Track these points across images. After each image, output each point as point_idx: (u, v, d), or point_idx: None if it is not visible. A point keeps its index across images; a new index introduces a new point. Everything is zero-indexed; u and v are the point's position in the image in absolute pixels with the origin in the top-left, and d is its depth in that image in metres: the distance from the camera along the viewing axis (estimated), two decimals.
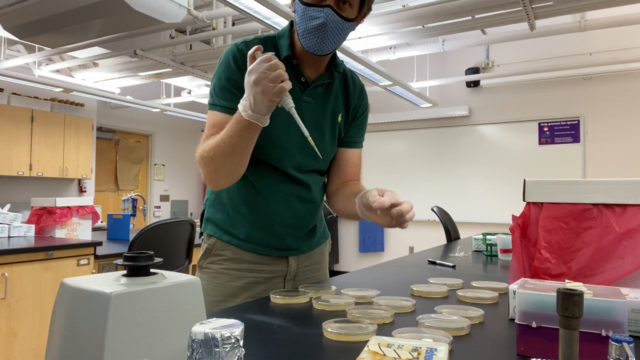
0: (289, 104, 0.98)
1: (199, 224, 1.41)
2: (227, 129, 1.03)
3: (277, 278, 1.26)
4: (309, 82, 1.21)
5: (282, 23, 3.19)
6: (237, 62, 1.14)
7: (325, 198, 1.37)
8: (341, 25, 1.09)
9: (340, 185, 1.32)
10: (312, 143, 0.98)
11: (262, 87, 0.94)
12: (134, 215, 4.07)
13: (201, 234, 1.32)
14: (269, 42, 1.20)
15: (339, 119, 1.28)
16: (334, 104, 1.26)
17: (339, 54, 1.36)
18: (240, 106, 1.00)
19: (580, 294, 0.49)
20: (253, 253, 1.24)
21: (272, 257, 1.25)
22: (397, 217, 0.99)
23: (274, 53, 0.96)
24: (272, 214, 1.22)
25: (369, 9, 1.17)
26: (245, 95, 0.99)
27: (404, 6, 3.45)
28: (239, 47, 1.16)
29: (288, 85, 0.95)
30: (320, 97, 1.24)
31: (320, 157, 1.09)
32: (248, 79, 0.96)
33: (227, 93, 1.13)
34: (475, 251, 2.16)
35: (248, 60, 0.98)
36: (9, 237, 3.13)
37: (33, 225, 3.26)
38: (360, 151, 1.36)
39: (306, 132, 0.98)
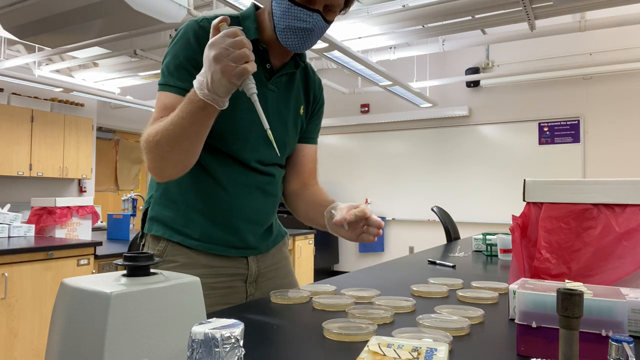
0: (251, 89, 0.87)
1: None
2: (178, 110, 0.91)
3: (236, 281, 1.17)
4: (274, 70, 1.13)
5: None
6: (198, 39, 1.02)
7: (283, 197, 1.28)
8: (324, 29, 1.06)
9: (300, 186, 1.25)
10: (272, 137, 0.88)
11: (223, 65, 0.83)
12: (134, 215, 4.06)
13: (142, 236, 1.17)
14: (233, 22, 1.07)
15: (301, 111, 1.22)
16: (297, 95, 1.21)
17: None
18: (195, 83, 0.89)
19: (580, 294, 0.49)
20: (209, 254, 1.13)
21: (230, 258, 1.15)
22: (377, 230, 1.00)
23: (241, 28, 0.86)
24: (232, 207, 1.12)
25: (346, 12, 1.13)
26: (202, 72, 0.88)
27: (404, 6, 3.45)
28: (200, 24, 1.04)
29: (252, 67, 0.84)
30: (284, 87, 1.17)
31: (279, 154, 0.99)
32: (208, 53, 0.85)
33: (184, 73, 1.02)
34: (475, 251, 2.16)
35: (211, 31, 0.87)
36: (9, 237, 3.13)
37: (33, 225, 3.26)
38: (316, 147, 1.30)
39: (266, 124, 0.88)
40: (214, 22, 0.88)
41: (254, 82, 0.88)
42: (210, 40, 0.86)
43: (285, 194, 1.28)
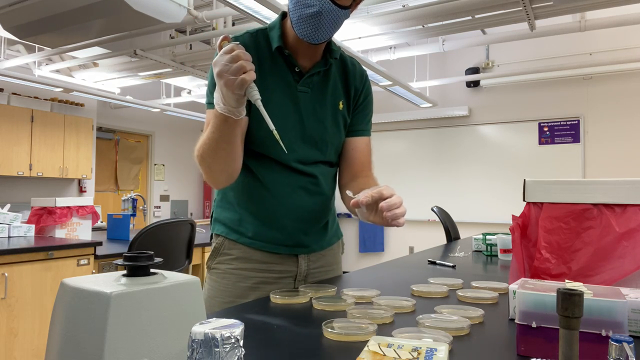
0: (254, 96, 0.94)
1: (208, 224, 1.39)
2: (210, 125, 1.03)
3: (286, 278, 1.23)
4: (304, 72, 1.18)
5: None
6: None
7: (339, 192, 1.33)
8: (337, 14, 1.07)
9: (350, 178, 1.28)
10: (278, 137, 0.95)
11: (225, 80, 0.92)
12: (134, 215, 4.07)
13: (211, 236, 1.30)
14: (260, 35, 1.18)
15: (341, 106, 1.24)
16: (333, 91, 1.23)
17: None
18: (214, 100, 0.99)
19: (580, 294, 0.49)
20: (262, 251, 1.21)
21: (281, 255, 1.22)
22: (386, 212, 0.93)
23: (238, 43, 0.93)
24: (278, 207, 1.19)
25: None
26: (216, 88, 0.97)
27: (404, 6, 3.45)
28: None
29: (250, 77, 0.92)
30: (317, 86, 1.21)
31: (286, 152, 1.03)
32: (213, 71, 0.94)
33: None
34: (475, 251, 2.16)
35: (217, 50, 0.96)
36: (9, 237, 3.13)
37: (33, 225, 3.26)
38: (369, 139, 1.32)
39: (272, 126, 0.94)
40: (218, 41, 0.96)
41: (256, 89, 0.94)
42: (214, 59, 0.95)
43: (339, 188, 1.32)
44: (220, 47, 0.95)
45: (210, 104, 1.13)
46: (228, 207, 1.24)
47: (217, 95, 0.97)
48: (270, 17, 3.14)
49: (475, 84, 6.56)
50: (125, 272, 0.59)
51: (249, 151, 1.16)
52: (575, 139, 6.05)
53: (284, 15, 1.20)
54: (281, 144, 0.96)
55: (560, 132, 6.15)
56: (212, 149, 1.04)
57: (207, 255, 3.32)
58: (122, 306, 0.53)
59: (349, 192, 1.06)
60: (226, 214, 1.24)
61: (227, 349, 0.47)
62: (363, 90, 1.29)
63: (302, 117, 1.18)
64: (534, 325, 0.69)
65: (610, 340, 0.53)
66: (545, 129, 6.22)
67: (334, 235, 1.34)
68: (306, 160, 1.20)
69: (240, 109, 0.98)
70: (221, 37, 0.96)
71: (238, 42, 0.93)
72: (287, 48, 1.16)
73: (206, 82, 1.23)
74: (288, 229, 1.21)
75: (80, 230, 3.38)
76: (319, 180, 1.23)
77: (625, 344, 0.52)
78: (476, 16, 3.50)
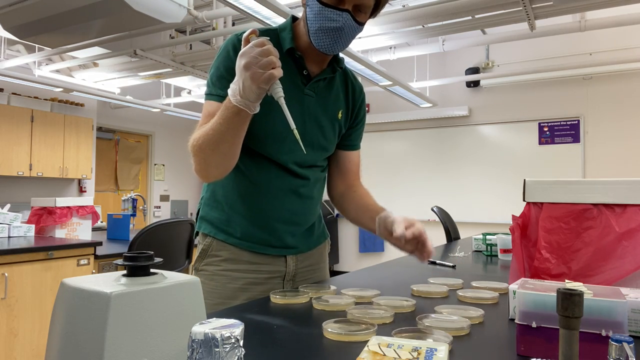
0: (278, 93, 0.94)
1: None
2: (217, 116, 1.00)
3: (275, 279, 1.24)
4: (312, 76, 1.20)
5: None
6: (236, 51, 1.08)
7: (330, 200, 1.37)
8: (355, 30, 1.10)
9: (346, 188, 1.32)
10: (298, 136, 0.95)
11: (252, 72, 0.91)
12: (134, 215, 4.07)
13: (196, 234, 1.28)
14: (271, 35, 1.18)
15: (339, 115, 1.27)
16: (335, 99, 1.26)
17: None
18: (229, 91, 0.97)
19: (580, 294, 0.49)
20: (250, 252, 1.21)
21: (270, 256, 1.22)
22: (420, 251, 1.10)
23: (268, 38, 0.93)
24: (269, 209, 1.19)
25: (376, 15, 1.18)
26: (235, 80, 0.95)
27: (404, 6, 3.45)
28: (239, 37, 1.13)
29: (279, 73, 0.92)
30: (322, 92, 1.23)
31: (305, 152, 1.06)
32: (239, 63, 0.93)
33: (224, 82, 1.09)
34: (475, 251, 2.16)
35: (242, 43, 0.95)
36: (9, 237, 3.13)
37: (33, 225, 3.26)
38: (359, 152, 1.38)
39: (293, 124, 0.94)
40: (245, 34, 0.96)
41: (280, 86, 0.95)
42: (241, 51, 0.94)
43: (332, 197, 1.36)
44: (247, 41, 0.94)
45: (212, 95, 1.12)
46: (216, 205, 1.23)
47: (234, 86, 0.95)
48: (270, 17, 3.14)
49: (475, 84, 6.56)
50: (125, 272, 0.59)
51: (244, 149, 1.14)
52: (575, 139, 6.05)
53: (294, 19, 1.22)
54: (300, 143, 0.97)
55: (560, 132, 6.15)
56: (215, 141, 1.01)
57: None
58: (122, 306, 0.53)
59: (388, 221, 1.11)
60: (214, 213, 1.23)
61: (227, 349, 0.47)
62: (362, 105, 1.34)
63: (304, 119, 1.19)
64: (534, 325, 0.69)
65: (610, 340, 0.53)
66: (545, 129, 6.22)
67: (320, 235, 1.36)
68: (303, 163, 1.21)
69: (257, 104, 0.96)
70: (249, 30, 0.96)
71: (268, 38, 0.93)
72: (298, 50, 1.17)
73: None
74: (277, 230, 1.21)
75: (80, 230, 3.38)
76: (311, 184, 1.25)
77: (625, 344, 0.52)
78: (476, 16, 3.50)
